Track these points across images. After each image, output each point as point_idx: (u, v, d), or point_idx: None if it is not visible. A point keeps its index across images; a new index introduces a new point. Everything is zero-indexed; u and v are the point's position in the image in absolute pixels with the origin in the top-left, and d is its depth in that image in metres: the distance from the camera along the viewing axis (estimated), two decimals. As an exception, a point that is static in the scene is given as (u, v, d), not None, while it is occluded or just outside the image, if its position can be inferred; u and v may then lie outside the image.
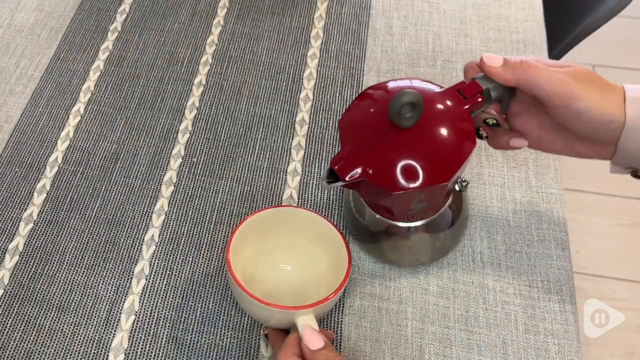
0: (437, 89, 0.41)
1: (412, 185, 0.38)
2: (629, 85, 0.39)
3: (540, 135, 0.43)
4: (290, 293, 0.46)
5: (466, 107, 0.40)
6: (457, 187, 0.46)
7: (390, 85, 0.42)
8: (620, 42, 1.54)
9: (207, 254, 0.51)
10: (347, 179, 0.38)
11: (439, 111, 0.40)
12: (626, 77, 1.50)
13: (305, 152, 0.57)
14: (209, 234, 0.52)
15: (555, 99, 0.38)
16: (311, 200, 0.54)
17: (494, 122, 0.43)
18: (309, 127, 0.59)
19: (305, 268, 0.47)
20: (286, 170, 0.56)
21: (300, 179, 0.55)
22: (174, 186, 0.55)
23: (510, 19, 0.67)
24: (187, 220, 0.53)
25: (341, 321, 0.47)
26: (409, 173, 0.38)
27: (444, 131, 0.39)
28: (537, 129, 0.43)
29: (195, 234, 0.52)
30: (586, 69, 0.39)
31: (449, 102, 0.40)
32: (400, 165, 0.38)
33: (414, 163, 0.38)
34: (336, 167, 0.39)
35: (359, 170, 0.38)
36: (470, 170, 0.55)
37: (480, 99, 0.40)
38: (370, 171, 0.38)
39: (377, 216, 0.46)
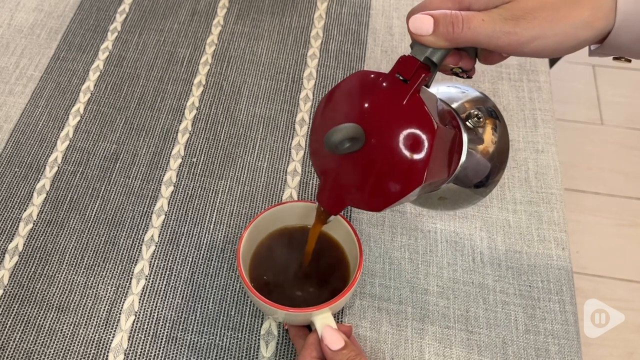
0: (377, 82, 0.37)
1: (390, 200, 0.36)
2: None
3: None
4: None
5: (411, 91, 0.35)
6: (470, 124, 0.41)
7: (340, 92, 0.39)
8: (620, 42, 1.54)
9: (207, 254, 0.51)
10: (336, 213, 0.39)
11: (384, 116, 0.36)
12: (626, 77, 1.51)
13: (305, 152, 0.57)
14: (208, 234, 0.52)
15: (502, 50, 0.34)
16: (313, 199, 0.54)
17: (459, 69, 0.38)
18: (309, 127, 0.59)
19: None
20: (286, 170, 0.56)
21: (300, 179, 0.55)
22: (174, 186, 0.55)
23: (510, 18, 0.67)
24: (187, 220, 0.53)
25: (341, 321, 0.47)
26: (380, 192, 0.36)
27: (398, 133, 0.35)
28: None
29: (195, 234, 0.52)
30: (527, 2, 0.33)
31: (391, 97, 0.36)
32: (369, 184, 0.36)
33: (379, 181, 0.36)
34: (322, 204, 0.39)
35: (340, 201, 0.38)
36: (470, 170, 0.55)
37: (423, 74, 0.35)
38: (351, 198, 0.37)
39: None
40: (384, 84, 0.36)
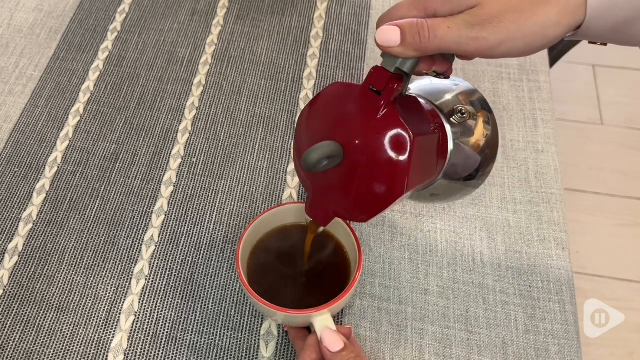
0: (351, 95, 0.37)
1: (375, 211, 0.36)
2: None
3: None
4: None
5: (383, 103, 0.35)
6: (454, 121, 0.41)
7: (316, 108, 0.39)
8: (620, 42, 1.54)
9: (207, 254, 0.51)
10: (325, 224, 0.39)
11: (359, 127, 0.36)
12: (626, 77, 1.50)
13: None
14: (208, 234, 0.52)
15: (472, 55, 0.34)
16: (311, 200, 0.54)
17: (435, 73, 0.37)
18: (308, 127, 0.59)
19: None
20: (286, 170, 0.56)
21: (300, 179, 0.55)
22: (174, 186, 0.55)
23: (510, 18, 0.67)
24: (187, 220, 0.53)
25: (341, 321, 0.47)
26: (365, 204, 0.36)
27: (375, 146, 0.35)
28: None
29: (195, 234, 0.52)
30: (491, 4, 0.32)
31: (365, 110, 0.36)
32: (351, 197, 0.36)
33: (362, 191, 0.36)
34: (311, 216, 0.40)
35: (328, 214, 0.39)
36: (470, 170, 0.55)
37: (395, 84, 0.35)
38: (337, 210, 0.38)
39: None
40: (358, 97, 0.36)
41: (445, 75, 0.38)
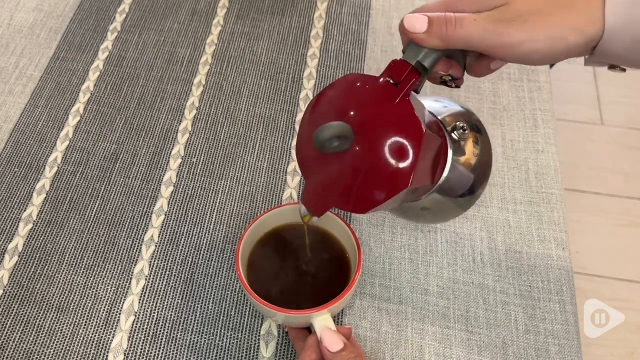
0: (367, 85, 0.37)
1: (376, 203, 0.35)
2: None
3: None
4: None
5: (400, 95, 0.35)
6: (455, 136, 0.42)
7: (329, 94, 0.39)
8: (620, 42, 1.54)
9: (207, 254, 0.51)
10: (320, 215, 0.38)
11: (372, 118, 0.36)
12: (626, 77, 1.50)
13: (305, 152, 0.57)
14: (208, 234, 0.52)
15: (494, 52, 0.34)
16: (311, 200, 0.54)
17: (449, 77, 0.38)
18: (308, 127, 0.59)
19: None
20: (286, 170, 0.56)
21: (300, 179, 0.55)
22: (174, 186, 0.55)
23: (510, 18, 0.67)
24: (186, 220, 0.53)
25: (341, 321, 0.47)
26: (366, 194, 0.35)
27: (385, 135, 0.35)
28: None
29: (195, 234, 0.52)
30: (519, 2, 0.34)
31: (381, 99, 0.36)
32: (355, 187, 0.36)
33: (366, 183, 0.35)
34: (306, 205, 0.39)
35: (325, 203, 0.37)
36: (470, 170, 0.55)
37: (414, 78, 0.35)
38: (336, 200, 0.37)
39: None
40: (374, 87, 0.36)
41: (457, 84, 0.39)
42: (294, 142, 0.58)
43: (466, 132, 0.42)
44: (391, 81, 0.35)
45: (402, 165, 0.34)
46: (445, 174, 0.41)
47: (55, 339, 0.47)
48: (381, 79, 0.36)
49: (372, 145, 0.35)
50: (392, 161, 0.34)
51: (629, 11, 0.32)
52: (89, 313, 0.48)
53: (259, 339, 0.47)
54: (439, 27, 0.34)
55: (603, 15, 0.32)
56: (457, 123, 0.42)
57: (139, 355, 0.46)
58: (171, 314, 0.48)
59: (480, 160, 0.43)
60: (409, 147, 0.34)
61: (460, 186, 0.43)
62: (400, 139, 0.34)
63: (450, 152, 0.41)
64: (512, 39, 0.33)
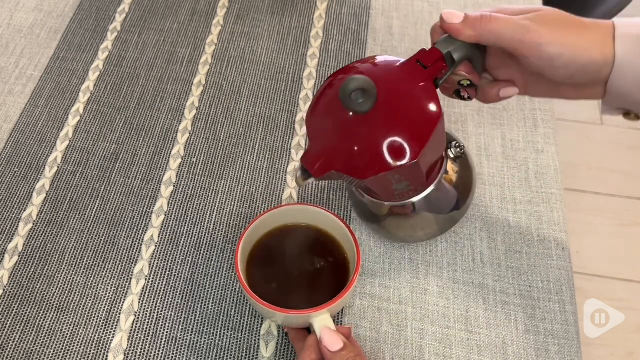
0: (398, 64, 0.39)
1: (380, 170, 0.37)
2: (619, 19, 0.36)
3: (525, 82, 0.41)
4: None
5: (427, 77, 0.38)
6: (451, 154, 0.44)
7: (357, 66, 0.40)
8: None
9: (207, 254, 0.51)
10: (318, 176, 0.38)
11: (397, 88, 0.38)
12: (626, 77, 1.50)
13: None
14: (208, 234, 0.52)
15: (521, 48, 0.36)
16: (311, 200, 0.54)
17: (468, 82, 0.41)
18: (308, 127, 0.59)
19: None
20: (286, 170, 0.56)
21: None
22: (174, 186, 0.55)
23: (510, 18, 0.67)
24: (186, 220, 0.53)
25: (341, 321, 0.47)
26: (374, 158, 0.37)
27: (405, 109, 0.37)
28: (520, 76, 0.41)
29: (195, 234, 0.52)
30: (555, 10, 0.37)
31: (408, 76, 0.38)
32: (364, 151, 0.37)
33: (377, 147, 0.37)
34: (306, 164, 0.38)
35: (327, 163, 0.38)
36: (470, 170, 0.55)
37: (442, 65, 0.38)
38: (338, 162, 0.38)
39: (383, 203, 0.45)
40: (403, 66, 0.39)
41: (470, 95, 0.41)
42: (294, 142, 0.58)
43: (462, 151, 0.44)
44: (422, 63, 0.38)
45: (414, 139, 0.36)
46: (431, 187, 0.43)
47: (55, 339, 0.47)
48: (411, 61, 0.39)
49: (390, 114, 0.37)
50: (406, 134, 0.36)
51: (637, 46, 0.35)
52: (89, 313, 0.48)
53: (259, 339, 0.47)
54: (474, 20, 0.37)
55: (612, 46, 0.35)
56: (453, 142, 0.44)
57: (139, 355, 0.46)
58: (171, 314, 0.48)
59: (465, 181, 0.46)
60: (425, 123, 0.37)
61: (447, 202, 0.46)
62: (419, 115, 0.37)
63: (445, 165, 0.44)
64: (542, 38, 0.35)
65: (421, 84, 0.38)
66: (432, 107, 0.37)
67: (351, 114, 0.37)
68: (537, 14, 0.37)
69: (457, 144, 0.44)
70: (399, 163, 0.36)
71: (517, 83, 0.41)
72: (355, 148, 0.37)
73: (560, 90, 0.41)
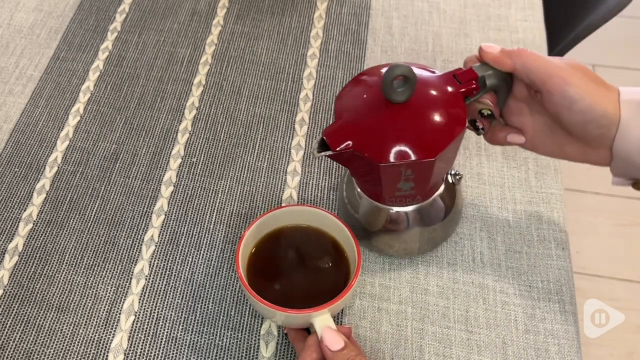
0: (434, 73, 0.42)
1: (398, 158, 0.39)
2: (624, 87, 0.39)
3: (533, 136, 0.43)
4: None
5: (460, 91, 0.41)
6: (450, 180, 0.47)
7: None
8: (620, 42, 1.54)
9: (207, 254, 0.51)
10: (337, 149, 0.39)
11: (432, 91, 0.41)
12: (626, 76, 1.51)
13: (305, 152, 0.57)
14: (208, 234, 0.52)
15: (549, 83, 0.39)
16: (311, 200, 0.54)
17: (489, 112, 0.43)
18: (308, 127, 0.59)
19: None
20: (286, 170, 0.56)
21: (300, 179, 0.55)
22: (174, 186, 0.55)
23: (510, 18, 0.67)
24: (186, 220, 0.53)
25: (341, 321, 0.47)
26: (396, 146, 0.39)
27: (435, 110, 0.40)
28: (530, 129, 0.43)
29: (195, 234, 0.52)
30: (584, 66, 0.40)
31: (443, 85, 0.41)
32: (387, 138, 0.39)
33: (401, 137, 0.39)
34: (328, 137, 0.40)
35: (349, 141, 0.39)
36: (470, 170, 0.55)
37: (474, 85, 0.41)
38: (359, 143, 0.39)
39: (373, 203, 0.46)
40: (441, 75, 0.42)
41: (485, 128, 0.44)
42: (294, 142, 0.58)
43: (460, 179, 0.48)
44: (457, 79, 0.41)
45: (437, 139, 0.39)
46: (428, 201, 0.46)
47: (55, 339, 0.47)
48: (448, 74, 0.42)
49: (421, 110, 0.40)
50: (431, 132, 0.39)
51: (638, 111, 0.37)
52: (89, 313, 0.48)
53: (259, 339, 0.47)
54: (512, 51, 0.41)
55: (619, 108, 0.38)
56: (455, 170, 0.47)
57: (139, 355, 0.46)
58: (171, 314, 0.48)
59: (455, 209, 0.49)
60: (450, 128, 0.39)
61: (436, 218, 0.48)
62: (446, 119, 0.40)
63: (444, 185, 0.47)
64: (570, 78, 0.38)
65: (455, 93, 0.41)
66: (459, 115, 0.40)
67: (386, 100, 0.39)
68: (569, 61, 0.40)
69: (457, 173, 0.47)
70: (418, 157, 0.38)
71: (525, 133, 0.44)
72: (380, 133, 0.39)
73: (565, 150, 0.42)
